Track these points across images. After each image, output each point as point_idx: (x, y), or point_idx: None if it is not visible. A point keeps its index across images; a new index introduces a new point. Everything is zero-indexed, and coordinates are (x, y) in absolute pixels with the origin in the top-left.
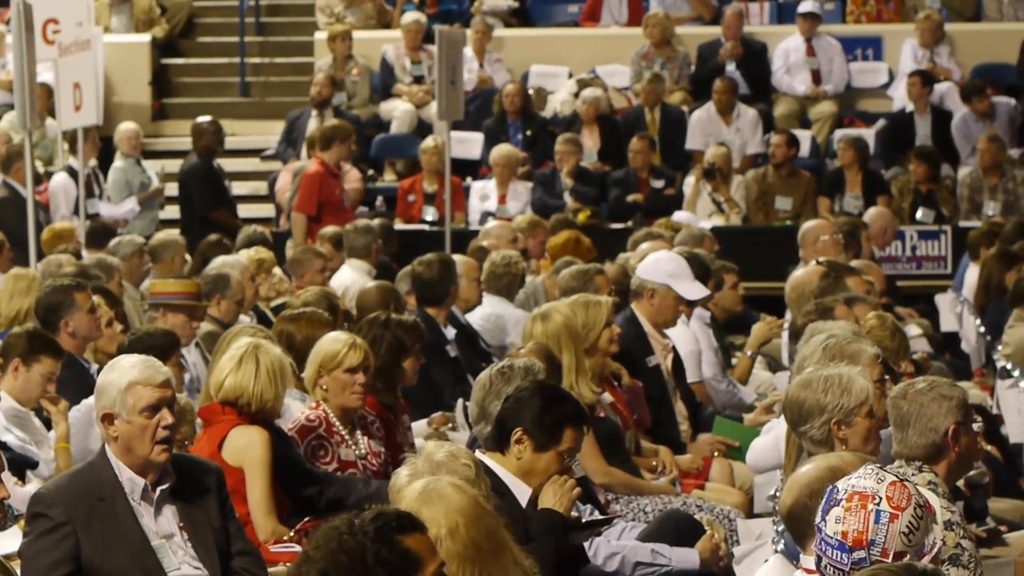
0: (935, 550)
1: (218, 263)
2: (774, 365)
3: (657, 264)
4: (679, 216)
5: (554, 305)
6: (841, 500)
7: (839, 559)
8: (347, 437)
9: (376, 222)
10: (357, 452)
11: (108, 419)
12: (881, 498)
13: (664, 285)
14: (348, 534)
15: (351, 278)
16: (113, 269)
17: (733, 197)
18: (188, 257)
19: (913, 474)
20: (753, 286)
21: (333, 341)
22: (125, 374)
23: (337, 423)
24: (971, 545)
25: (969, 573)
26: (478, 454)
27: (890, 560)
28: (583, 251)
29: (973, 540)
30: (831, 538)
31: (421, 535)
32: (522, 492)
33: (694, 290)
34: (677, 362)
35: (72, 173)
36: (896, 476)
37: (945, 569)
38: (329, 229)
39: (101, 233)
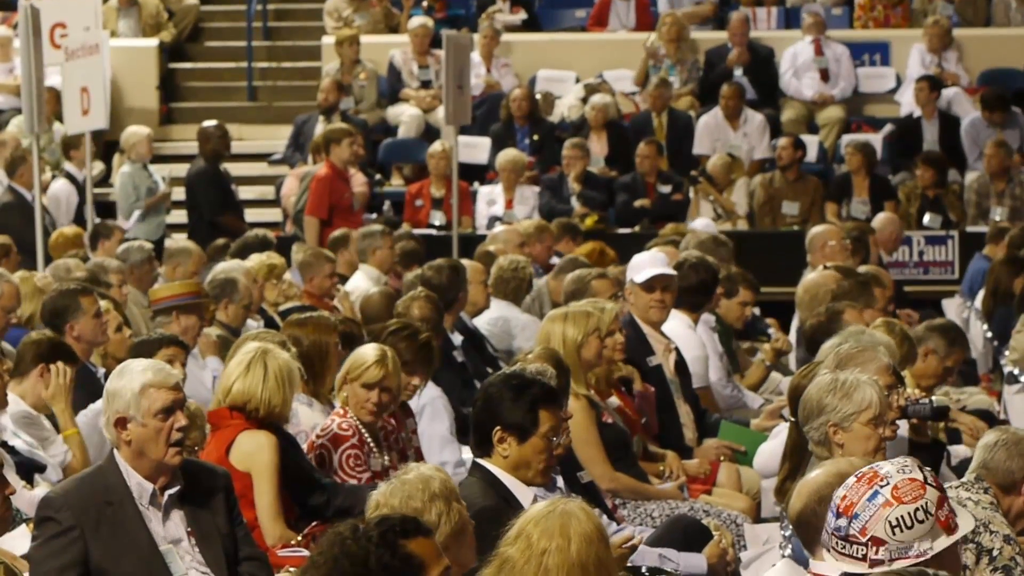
0: (921, 558)
1: (225, 267)
2: (782, 369)
3: (629, 269)
4: (696, 224)
5: (551, 314)
6: (862, 474)
7: (830, 523)
8: (375, 448)
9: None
10: (383, 463)
11: (121, 423)
12: (889, 483)
13: (630, 282)
14: (352, 539)
15: (364, 284)
16: (111, 273)
17: (732, 201)
18: None
19: (975, 492)
20: (760, 291)
21: (363, 353)
22: (138, 378)
23: (366, 433)
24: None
25: None
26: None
27: (865, 539)
28: (607, 263)
29: None
30: (834, 503)
31: (425, 539)
32: (523, 494)
33: (643, 273)
34: (681, 363)
35: (71, 179)
36: (924, 477)
37: None
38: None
39: (104, 235)
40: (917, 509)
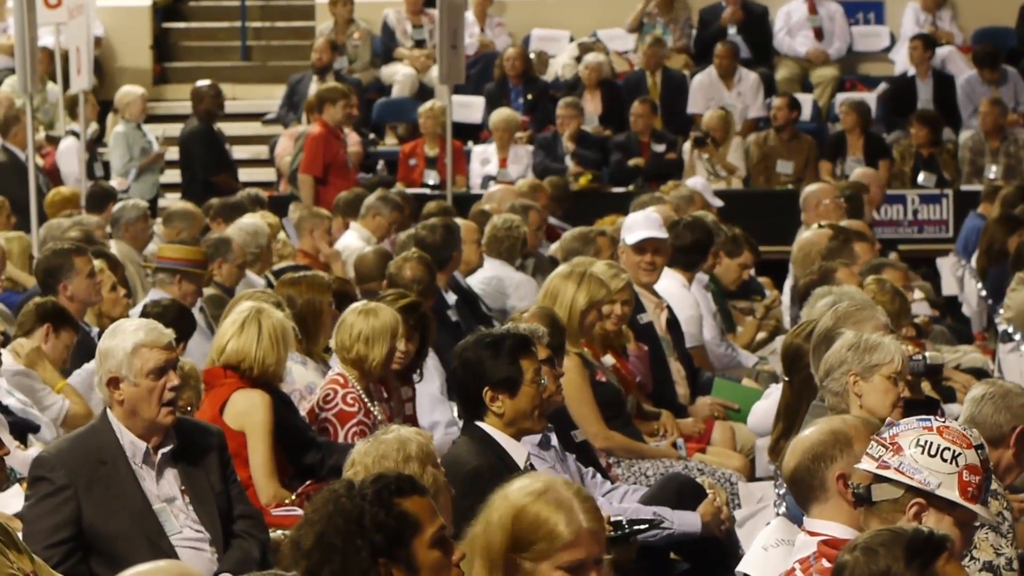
0: (921, 486)
1: (231, 229)
2: (778, 329)
3: (623, 228)
4: (691, 182)
5: (562, 271)
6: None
7: None
8: (378, 415)
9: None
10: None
11: (113, 383)
12: (944, 423)
13: (622, 241)
14: (346, 497)
15: (356, 244)
16: (93, 230)
17: (730, 161)
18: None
19: None
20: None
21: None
22: (130, 337)
23: (366, 399)
24: (1010, 516)
25: (1006, 541)
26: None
27: (890, 444)
28: None
29: (1012, 511)
30: None
31: (420, 498)
32: (517, 452)
33: (634, 235)
34: (673, 321)
35: (78, 138)
36: (977, 445)
37: (985, 534)
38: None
39: (101, 197)
40: (948, 448)
